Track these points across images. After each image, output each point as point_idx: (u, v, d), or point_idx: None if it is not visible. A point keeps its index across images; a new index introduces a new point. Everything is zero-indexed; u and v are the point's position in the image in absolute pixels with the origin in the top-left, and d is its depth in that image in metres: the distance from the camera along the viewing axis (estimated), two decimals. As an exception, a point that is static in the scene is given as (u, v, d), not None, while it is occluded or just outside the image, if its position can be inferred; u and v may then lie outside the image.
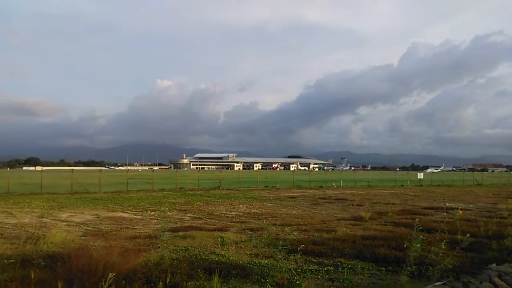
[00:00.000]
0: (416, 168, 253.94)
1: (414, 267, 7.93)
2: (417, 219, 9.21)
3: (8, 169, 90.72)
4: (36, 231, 14.07)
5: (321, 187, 49.03)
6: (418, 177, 64.65)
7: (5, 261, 9.02)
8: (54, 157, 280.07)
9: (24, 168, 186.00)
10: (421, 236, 8.45)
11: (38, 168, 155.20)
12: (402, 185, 55.00)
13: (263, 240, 12.31)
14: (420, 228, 8.76)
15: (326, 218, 19.02)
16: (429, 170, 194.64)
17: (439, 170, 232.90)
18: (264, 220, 17.90)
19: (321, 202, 28.21)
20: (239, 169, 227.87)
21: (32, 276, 7.39)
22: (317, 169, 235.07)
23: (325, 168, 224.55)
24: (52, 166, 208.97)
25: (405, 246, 8.54)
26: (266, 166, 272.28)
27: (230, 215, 20.16)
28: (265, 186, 47.89)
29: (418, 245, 8.06)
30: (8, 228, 15.18)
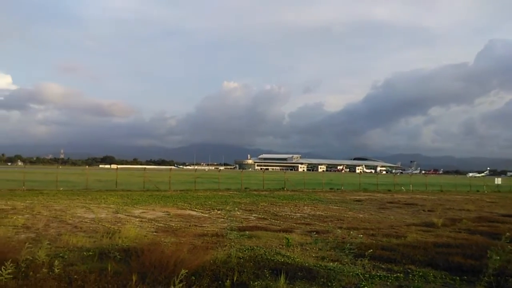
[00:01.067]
0: (494, 172, 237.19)
1: (492, 277, 7.41)
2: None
3: (87, 166, 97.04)
4: (112, 226, 14.91)
5: (389, 190, 47.42)
6: (496, 183, 60.44)
7: (85, 253, 9.64)
8: (127, 155, 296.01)
9: (100, 166, 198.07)
10: (509, 247, 7.88)
11: (113, 166, 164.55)
12: (478, 191, 51.76)
13: (328, 243, 12.15)
14: (500, 237, 8.18)
15: (394, 223, 18.38)
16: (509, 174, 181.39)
17: None
18: (330, 223, 17.64)
19: (389, 207, 27.29)
20: (303, 170, 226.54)
21: (109, 268, 7.85)
22: (384, 172, 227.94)
23: (393, 171, 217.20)
24: (125, 164, 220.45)
25: (488, 256, 7.86)
26: (330, 168, 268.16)
27: (294, 217, 20.11)
28: (330, 188, 47.23)
29: (498, 258, 7.50)
30: (87, 222, 16.24)
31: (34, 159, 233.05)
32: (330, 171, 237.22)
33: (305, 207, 25.12)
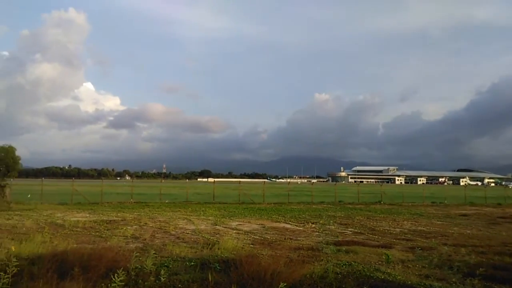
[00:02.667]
0: None
1: None
2: None
3: (187, 180, 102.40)
4: (211, 237, 15.51)
5: (499, 204, 43.24)
6: None
7: (187, 263, 10.12)
8: (223, 169, 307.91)
9: (198, 179, 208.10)
10: None
11: (210, 179, 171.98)
12: None
13: (433, 260, 11.39)
14: None
15: (508, 240, 16.65)
16: None
17: None
18: (433, 239, 16.54)
19: (501, 222, 24.85)
20: (401, 183, 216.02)
21: (210, 278, 8.14)
22: (493, 184, 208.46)
23: (503, 183, 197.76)
24: (221, 177, 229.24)
25: None
26: (431, 180, 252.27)
27: (394, 232, 19.19)
28: (432, 202, 44.35)
29: None
30: (188, 233, 17.08)
31: (140, 173, 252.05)
32: (431, 183, 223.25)
33: (405, 222, 23.87)
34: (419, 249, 13.20)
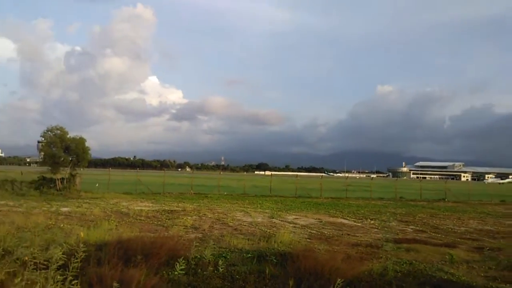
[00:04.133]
0: None
1: None
2: None
3: (245, 173, 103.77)
4: (268, 230, 15.63)
5: None
6: None
7: (244, 255, 10.26)
8: (280, 163, 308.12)
9: (255, 172, 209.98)
10: None
11: (267, 172, 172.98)
12: None
13: (501, 261, 10.75)
14: None
15: None
16: None
17: None
18: (501, 240, 15.61)
19: None
20: (467, 179, 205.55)
21: (267, 271, 8.21)
22: None
23: None
24: (278, 171, 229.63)
25: None
26: (501, 177, 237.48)
27: (458, 231, 18.31)
28: (501, 201, 41.77)
29: None
30: (245, 225, 17.32)
31: (199, 165, 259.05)
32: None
33: (471, 221, 22.69)
34: (487, 250, 12.50)
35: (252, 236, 14.03)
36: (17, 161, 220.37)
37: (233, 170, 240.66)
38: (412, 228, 18.68)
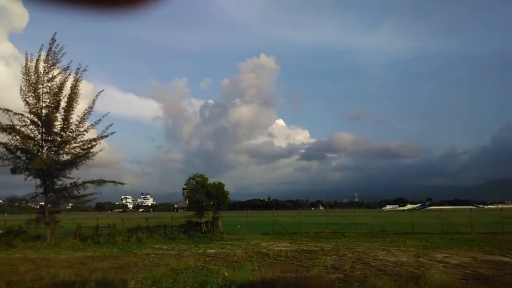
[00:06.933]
0: None
1: None
2: None
3: (384, 209, 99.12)
4: (415, 270, 14.53)
5: None
6: None
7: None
8: (419, 196, 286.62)
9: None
10: None
11: (406, 206, 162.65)
12: None
13: None
14: None
15: None
16: None
17: None
18: None
19: None
20: None
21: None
22: None
23: None
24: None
25: None
26: None
27: None
28: None
29: None
30: (389, 265, 16.35)
31: (332, 203, 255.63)
32: None
33: None
34: None
35: (398, 277, 13.18)
36: (166, 207, 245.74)
37: (368, 206, 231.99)
38: None
